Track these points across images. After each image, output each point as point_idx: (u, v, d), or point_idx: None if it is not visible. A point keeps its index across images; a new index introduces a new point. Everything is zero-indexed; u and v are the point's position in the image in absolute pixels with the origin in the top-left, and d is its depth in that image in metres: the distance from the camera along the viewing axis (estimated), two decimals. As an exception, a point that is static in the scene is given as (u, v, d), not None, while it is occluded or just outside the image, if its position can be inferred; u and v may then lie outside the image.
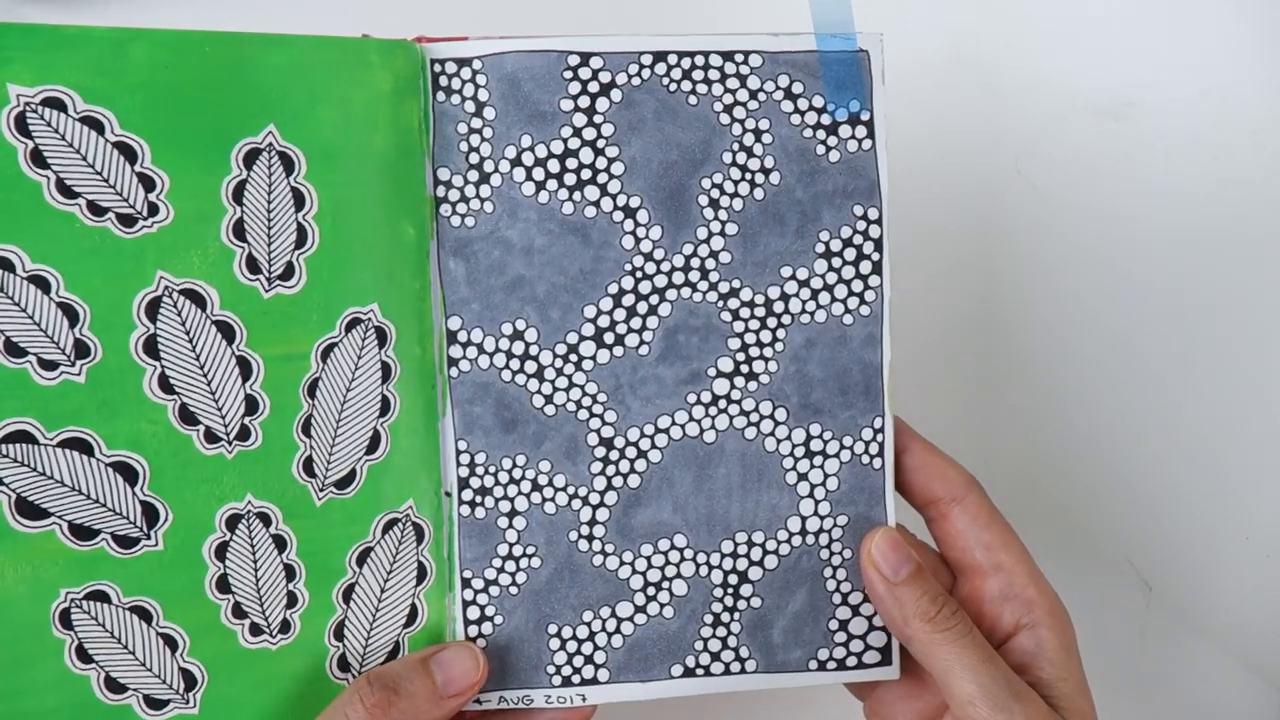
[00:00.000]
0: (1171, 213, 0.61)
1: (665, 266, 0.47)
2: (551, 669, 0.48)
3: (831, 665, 0.49)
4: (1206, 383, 0.63)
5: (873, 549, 0.47)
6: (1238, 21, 0.61)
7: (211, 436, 0.44)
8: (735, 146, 0.47)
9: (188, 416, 0.43)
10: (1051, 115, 0.57)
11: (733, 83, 0.47)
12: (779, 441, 0.48)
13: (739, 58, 0.47)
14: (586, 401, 0.47)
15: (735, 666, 0.48)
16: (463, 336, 0.47)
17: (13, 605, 0.42)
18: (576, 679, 0.48)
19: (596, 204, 0.46)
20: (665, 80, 0.46)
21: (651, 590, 0.48)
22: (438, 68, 0.46)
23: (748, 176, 0.47)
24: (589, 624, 0.48)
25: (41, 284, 0.41)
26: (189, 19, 0.61)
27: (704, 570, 0.48)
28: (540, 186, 0.46)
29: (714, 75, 0.47)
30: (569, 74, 0.46)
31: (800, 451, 0.48)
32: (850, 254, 0.48)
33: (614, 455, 0.47)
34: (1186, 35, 0.61)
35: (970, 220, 0.60)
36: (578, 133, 0.46)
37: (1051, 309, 0.60)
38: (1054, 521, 0.60)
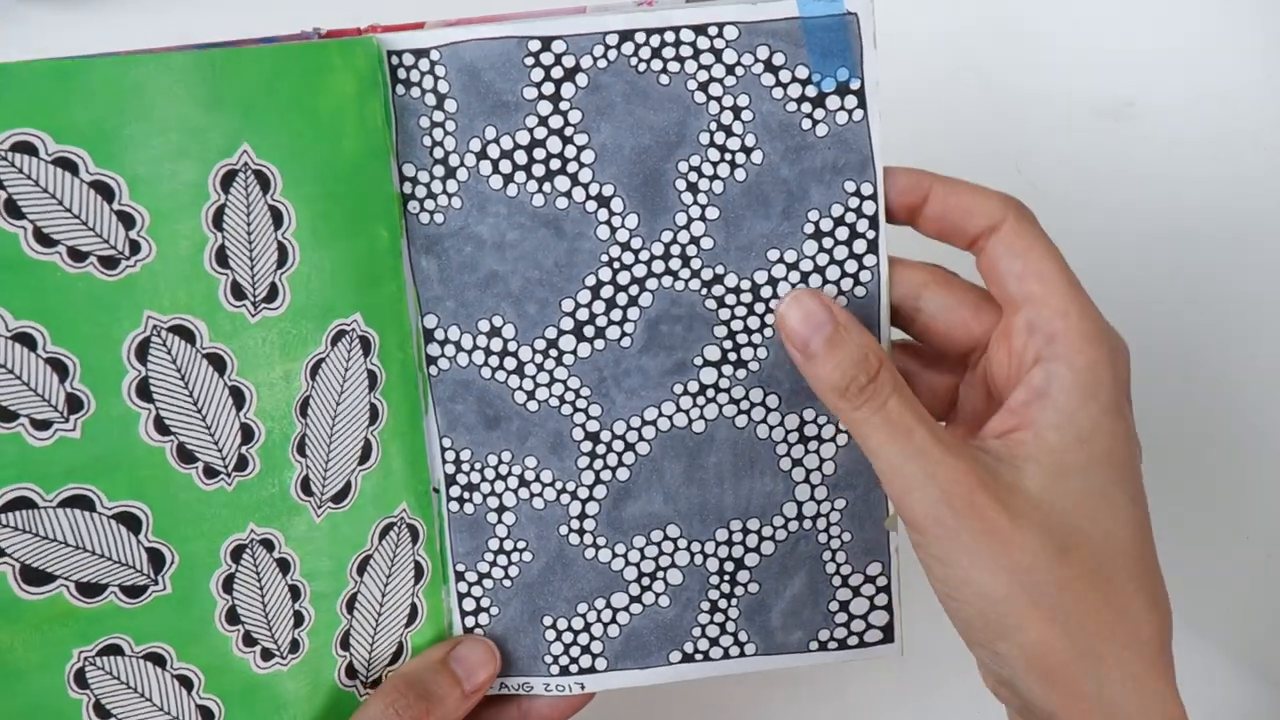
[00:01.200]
0: (1171, 212, 0.62)
1: (644, 255, 0.46)
2: (549, 659, 0.48)
3: (832, 645, 0.49)
4: (1206, 381, 0.63)
5: (782, 313, 0.43)
6: (1238, 21, 0.61)
7: (210, 471, 0.42)
8: (713, 126, 0.45)
9: (185, 455, 0.42)
10: (1051, 115, 0.57)
11: (707, 58, 0.44)
12: (771, 429, 0.47)
13: (712, 30, 0.44)
14: (569, 396, 0.47)
15: (734, 650, 0.49)
16: (440, 335, 0.46)
17: (26, 675, 0.40)
18: (574, 668, 0.48)
19: (568, 194, 0.45)
20: (634, 60, 0.44)
21: (646, 581, 0.48)
22: (395, 59, 0.44)
23: (727, 157, 0.45)
24: (584, 615, 0.48)
25: (27, 341, 0.38)
26: (188, 22, 0.56)
27: (699, 559, 0.48)
28: (508, 179, 0.45)
29: (686, 52, 0.44)
30: (530, 60, 0.44)
31: (794, 437, 0.47)
32: (843, 233, 0.46)
33: (600, 449, 0.47)
34: (1186, 35, 0.61)
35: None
36: (543, 121, 0.45)
37: None
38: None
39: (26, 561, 0.39)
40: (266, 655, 0.44)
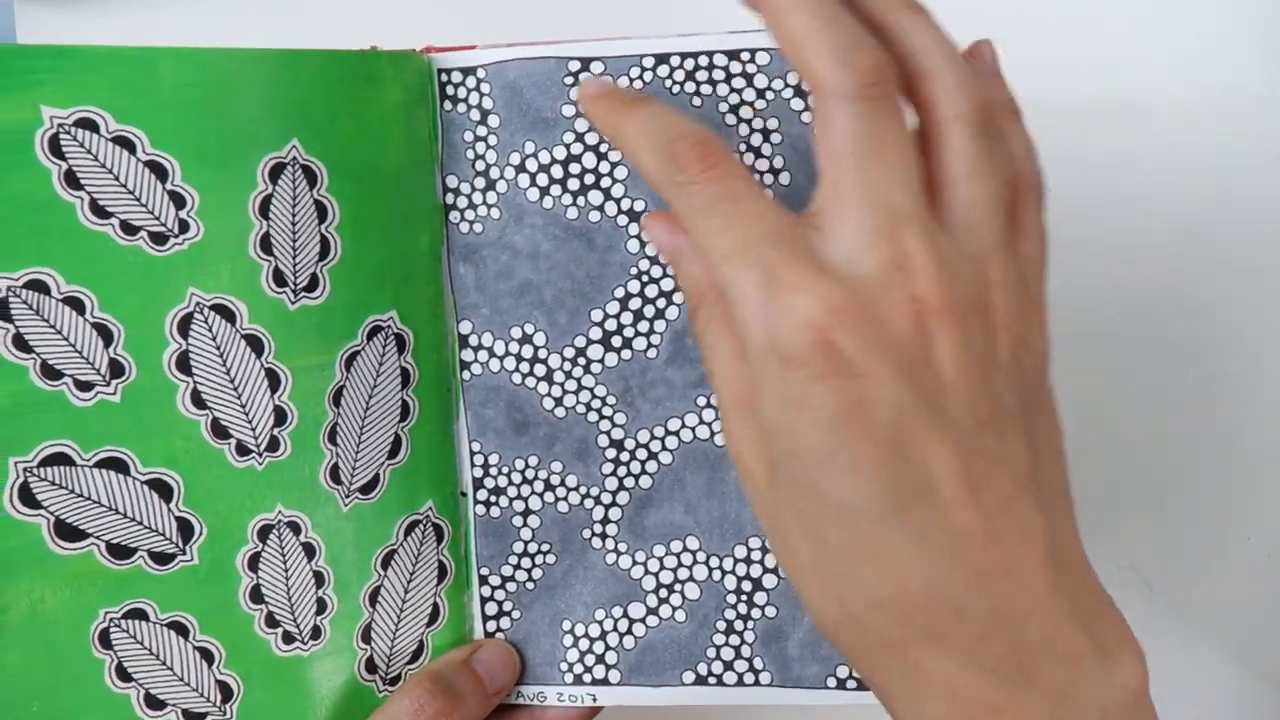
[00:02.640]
0: (1172, 212, 0.62)
1: (672, 270, 0.47)
2: (564, 666, 0.49)
3: (851, 684, 0.47)
4: (1207, 382, 0.63)
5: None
6: (1240, 21, 0.62)
7: (242, 449, 0.44)
8: (743, 147, 0.47)
9: (219, 431, 0.44)
10: (1052, 114, 0.57)
11: (739, 82, 0.46)
12: None
13: (745, 56, 0.46)
14: (596, 404, 0.48)
15: (749, 678, 0.48)
16: (474, 340, 0.48)
17: (53, 629, 0.42)
18: (588, 678, 0.49)
19: (600, 209, 0.47)
20: (668, 82, 0.46)
21: (664, 592, 0.48)
22: (444, 77, 0.47)
23: (756, 178, 0.47)
24: (601, 622, 0.49)
25: (76, 305, 0.41)
26: (188, 22, 0.60)
27: (717, 575, 0.48)
28: (544, 192, 0.47)
29: (719, 75, 0.46)
30: (570, 79, 0.47)
31: None
32: None
33: (624, 456, 0.48)
34: (1188, 35, 0.62)
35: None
36: (580, 138, 0.47)
37: (1050, 308, 0.60)
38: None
39: (61, 516, 0.41)
40: (288, 639, 0.46)
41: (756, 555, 0.48)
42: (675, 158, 0.37)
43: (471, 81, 0.47)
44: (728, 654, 0.48)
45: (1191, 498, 0.62)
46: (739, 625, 0.48)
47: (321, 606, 0.46)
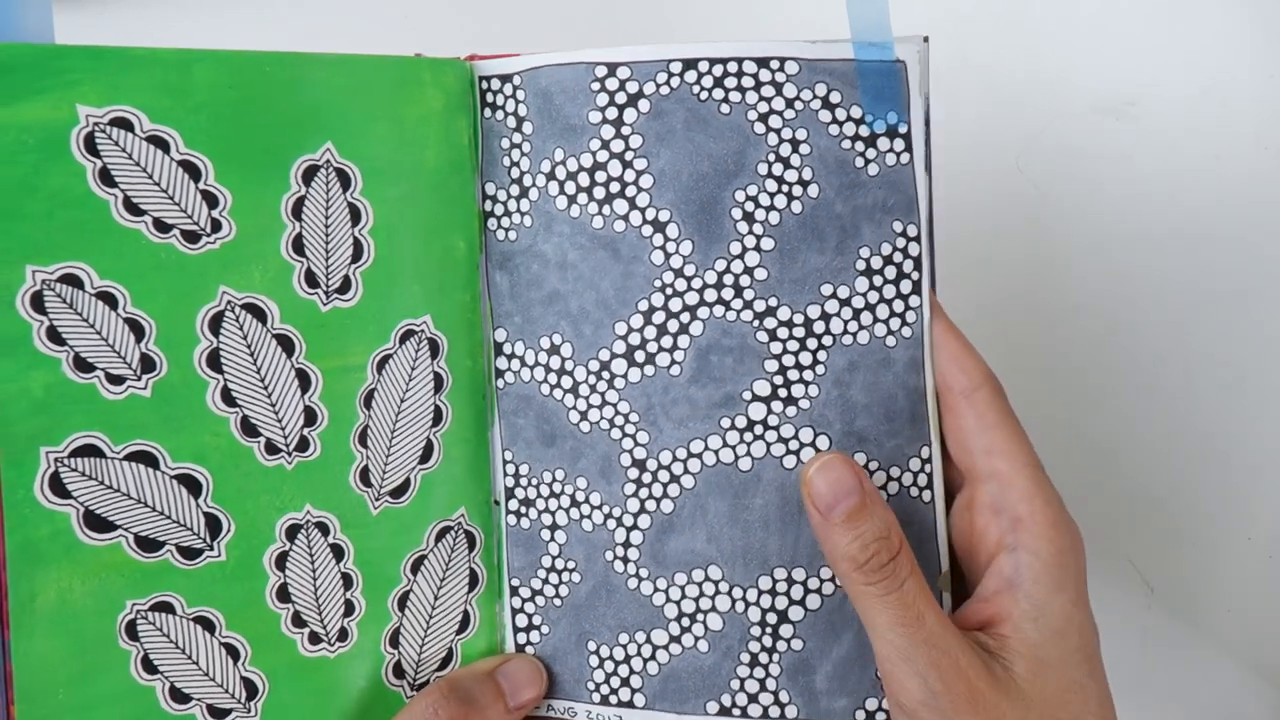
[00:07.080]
0: (1172, 212, 0.61)
1: (696, 283, 0.46)
2: (591, 685, 0.48)
3: (880, 717, 0.46)
4: (1207, 382, 0.63)
5: (812, 474, 0.43)
6: (1239, 19, 0.62)
7: (272, 448, 0.45)
8: (771, 157, 0.45)
9: (249, 428, 0.44)
10: (1051, 115, 0.57)
11: (768, 90, 0.45)
12: None
13: (774, 64, 0.45)
14: (619, 420, 0.47)
15: (774, 711, 0.47)
16: (507, 348, 0.48)
17: (81, 618, 0.42)
18: (614, 699, 0.48)
19: (625, 218, 0.46)
20: (695, 89, 0.46)
21: (686, 621, 0.47)
22: (485, 84, 0.47)
23: (784, 189, 0.46)
24: (625, 646, 0.47)
25: (109, 300, 0.42)
26: (178, 22, 0.61)
27: (740, 607, 0.46)
28: (572, 200, 0.47)
29: (748, 83, 0.45)
30: (596, 85, 0.46)
31: None
32: (891, 272, 0.46)
33: (646, 477, 0.47)
34: (1187, 33, 0.62)
35: (970, 219, 0.60)
36: (606, 145, 0.46)
37: (1051, 308, 0.60)
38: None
39: (91, 507, 0.42)
40: (315, 639, 0.46)
41: (782, 587, 0.46)
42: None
43: (508, 89, 0.47)
44: (752, 686, 0.47)
45: (1191, 498, 0.62)
46: (764, 658, 0.47)
47: (349, 609, 0.46)
